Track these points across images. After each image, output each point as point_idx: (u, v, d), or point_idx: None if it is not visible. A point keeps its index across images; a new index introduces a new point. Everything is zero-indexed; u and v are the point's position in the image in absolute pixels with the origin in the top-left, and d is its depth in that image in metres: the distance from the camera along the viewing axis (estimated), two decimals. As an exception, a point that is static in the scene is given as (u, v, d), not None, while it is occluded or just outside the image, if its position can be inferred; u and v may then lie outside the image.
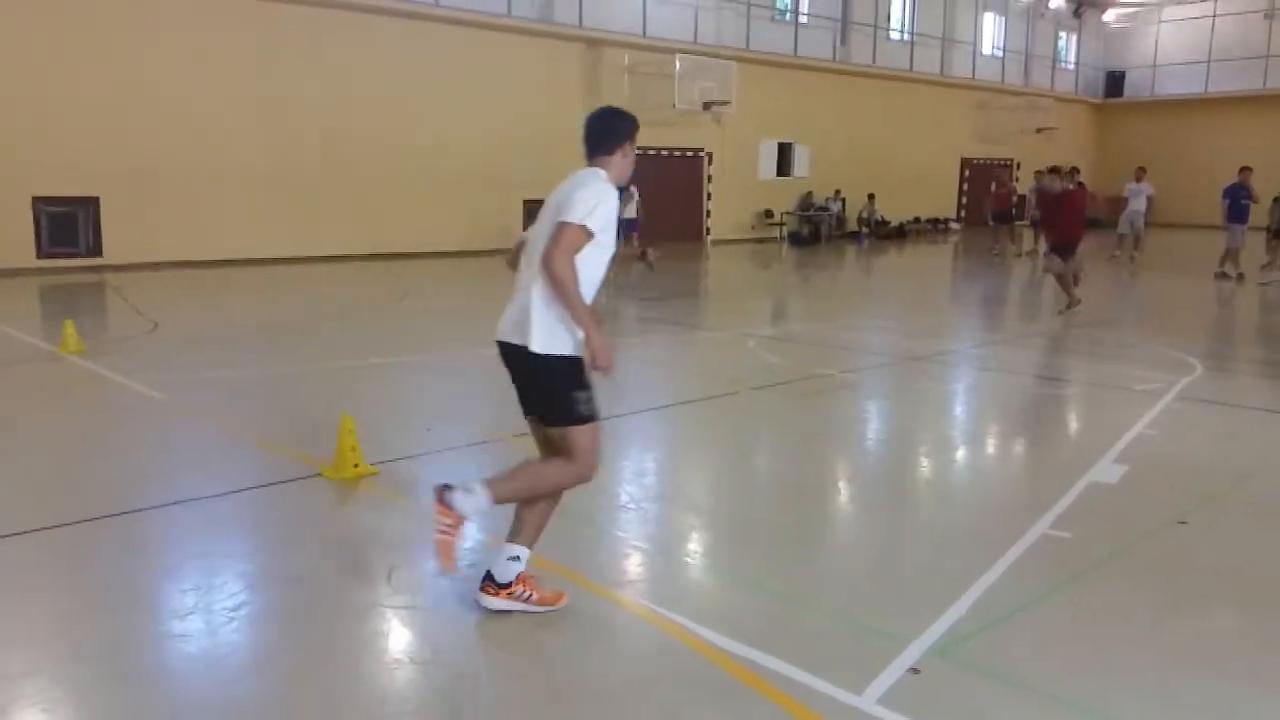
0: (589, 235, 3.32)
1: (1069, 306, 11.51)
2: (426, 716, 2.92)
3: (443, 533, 3.36)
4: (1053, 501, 4.71)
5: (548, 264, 3.27)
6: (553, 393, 3.44)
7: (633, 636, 3.45)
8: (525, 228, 18.76)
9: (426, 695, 3.04)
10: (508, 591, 3.49)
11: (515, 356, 3.44)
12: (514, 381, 3.54)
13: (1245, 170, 16.11)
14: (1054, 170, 12.29)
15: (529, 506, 3.55)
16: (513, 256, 3.69)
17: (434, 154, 18.89)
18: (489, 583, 3.50)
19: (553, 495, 3.58)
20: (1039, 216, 12.68)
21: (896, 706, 2.86)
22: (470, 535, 4.31)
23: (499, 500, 3.43)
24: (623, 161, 3.69)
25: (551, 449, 3.55)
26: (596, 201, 3.36)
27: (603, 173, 3.58)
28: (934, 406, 7.30)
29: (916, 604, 3.56)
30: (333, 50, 17.52)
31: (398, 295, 13.54)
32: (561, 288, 3.26)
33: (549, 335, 3.37)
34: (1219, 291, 14.92)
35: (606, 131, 3.70)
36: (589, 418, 3.48)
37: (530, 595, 3.51)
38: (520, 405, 3.59)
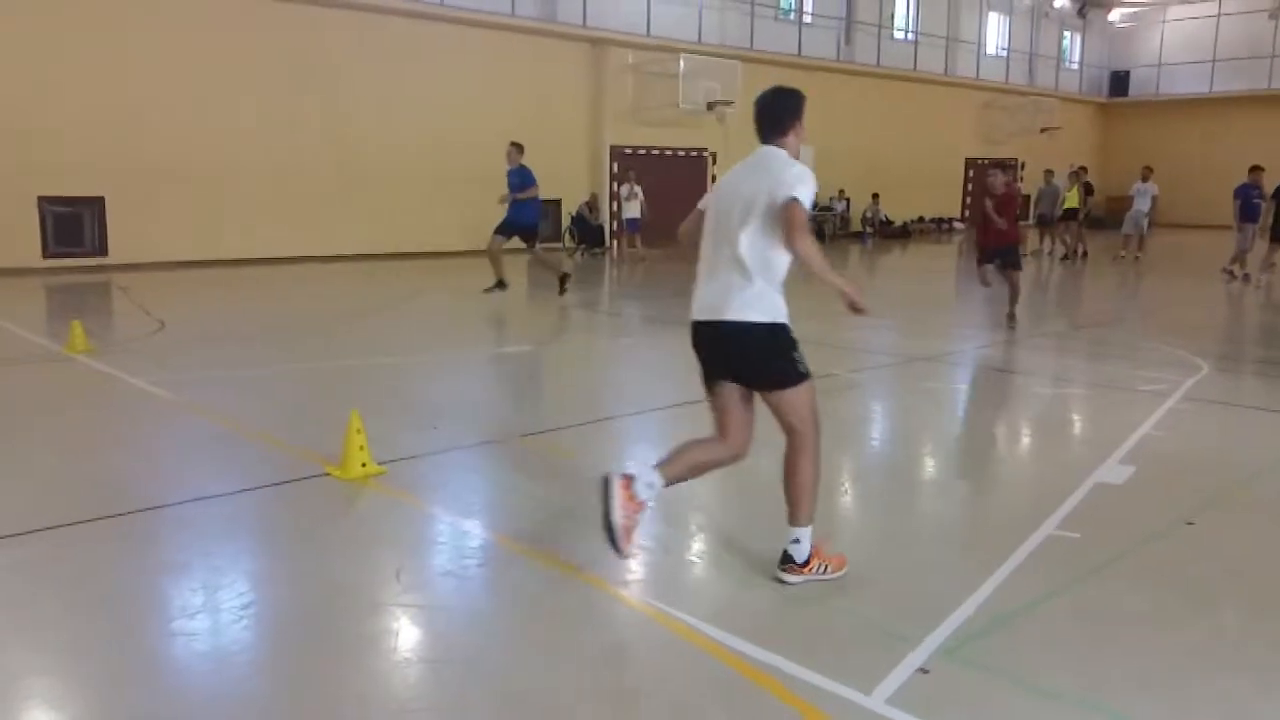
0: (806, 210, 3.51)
1: (1012, 319, 10.67)
2: (436, 715, 2.92)
3: (627, 519, 3.57)
4: (1060, 502, 4.71)
5: (792, 247, 3.49)
6: (769, 356, 3.66)
7: (640, 635, 3.45)
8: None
9: (436, 694, 3.05)
10: (808, 568, 3.75)
11: (730, 336, 3.64)
12: (716, 360, 3.77)
13: (1257, 170, 16.04)
14: (998, 166, 11.56)
15: (690, 465, 3.85)
16: (689, 229, 3.96)
17: (439, 153, 18.90)
18: (788, 564, 3.74)
19: (816, 470, 3.81)
20: (980, 218, 11.33)
21: (905, 706, 2.86)
22: (476, 535, 4.32)
23: (803, 521, 3.73)
24: (795, 141, 3.83)
25: (780, 422, 3.77)
26: (807, 178, 3.57)
27: (783, 153, 3.73)
28: (940, 407, 7.30)
29: (925, 604, 3.56)
30: (338, 49, 17.54)
31: (404, 294, 13.55)
32: (810, 262, 3.50)
33: (763, 306, 3.60)
34: (1227, 291, 14.88)
35: (780, 112, 3.84)
36: (807, 374, 3.73)
37: (826, 568, 3.77)
38: (711, 376, 3.81)
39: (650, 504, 3.66)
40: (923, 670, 3.07)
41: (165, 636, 3.35)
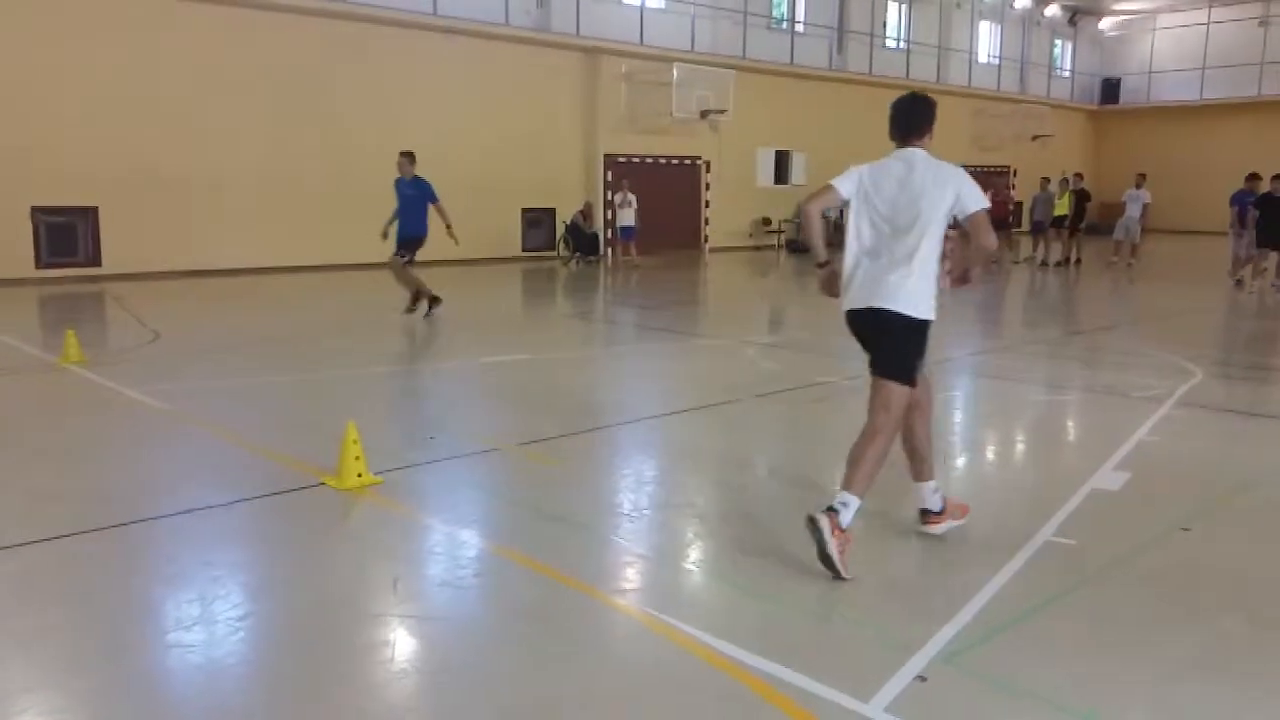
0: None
1: None
2: (434, 726, 2.91)
3: (841, 550, 3.82)
4: (1056, 509, 4.72)
5: (987, 243, 4.01)
6: (906, 353, 4.10)
7: (637, 644, 3.45)
8: (526, 236, 18.81)
9: (434, 705, 3.04)
10: (946, 515, 4.29)
11: (882, 321, 4.03)
12: (870, 342, 4.18)
13: (1254, 178, 16.15)
14: (996, 174, 11.29)
15: (911, 449, 4.33)
16: (818, 208, 4.27)
17: (432, 163, 18.73)
18: (929, 514, 4.29)
19: (916, 438, 4.31)
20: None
21: (903, 714, 2.86)
22: (473, 545, 4.32)
23: (863, 490, 3.99)
24: (930, 142, 4.25)
25: (875, 401, 4.17)
26: (973, 182, 4.08)
27: (937, 159, 4.16)
28: (936, 414, 7.30)
29: (922, 611, 3.57)
30: (331, 60, 17.55)
31: (400, 304, 13.54)
32: (991, 251, 4.10)
33: (927, 304, 4.03)
34: (1232, 298, 14.94)
35: (920, 118, 4.24)
36: (914, 382, 4.14)
37: (959, 513, 4.35)
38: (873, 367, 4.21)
39: (852, 525, 3.91)
40: (921, 678, 3.07)
41: (161, 648, 3.34)
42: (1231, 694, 3.07)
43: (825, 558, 3.81)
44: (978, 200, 4.03)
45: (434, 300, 11.34)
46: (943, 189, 4.02)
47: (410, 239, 11.24)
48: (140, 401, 7.01)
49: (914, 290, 3.99)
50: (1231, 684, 3.13)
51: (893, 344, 4.09)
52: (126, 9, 15.45)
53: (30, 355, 9.08)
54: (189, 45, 16.04)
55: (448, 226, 11.09)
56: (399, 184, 11.36)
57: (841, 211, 4.30)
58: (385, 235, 11.31)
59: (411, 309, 11.36)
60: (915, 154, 4.17)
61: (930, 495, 4.32)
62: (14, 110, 14.58)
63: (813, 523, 3.85)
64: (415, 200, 11.23)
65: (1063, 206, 20.04)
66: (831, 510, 3.91)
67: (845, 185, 4.23)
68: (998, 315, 14.01)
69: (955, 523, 4.36)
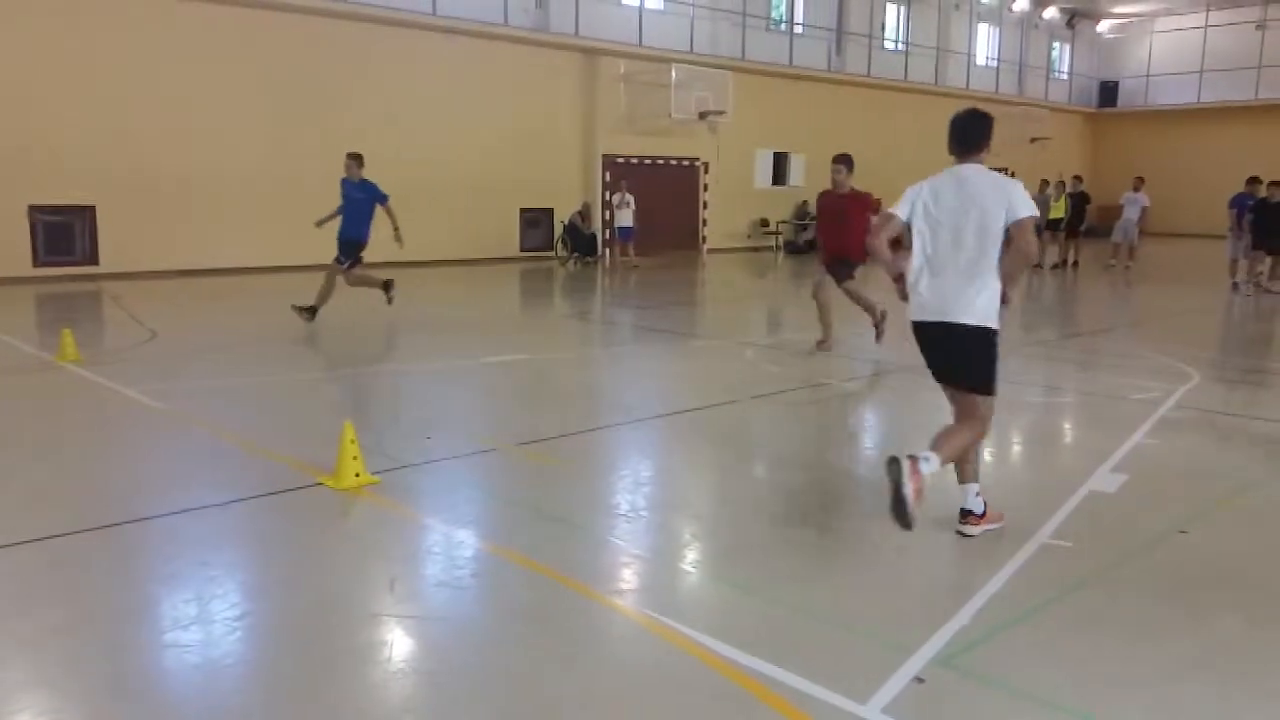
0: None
1: (823, 344, 9.44)
2: (431, 727, 2.91)
3: (915, 493, 3.97)
4: (1053, 510, 4.72)
5: (1029, 250, 4.22)
6: (986, 362, 4.31)
7: (635, 645, 3.44)
8: (524, 236, 18.77)
9: (432, 705, 3.04)
10: (986, 519, 4.40)
11: (955, 335, 4.25)
12: (938, 356, 4.41)
13: (1254, 181, 16.19)
14: (841, 160, 9.60)
15: (954, 434, 4.41)
16: (889, 237, 4.46)
17: (431, 163, 18.90)
18: (969, 515, 4.40)
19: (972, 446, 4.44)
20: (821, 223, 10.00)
21: (901, 715, 2.86)
22: (470, 545, 4.32)
23: (944, 462, 4.19)
24: (987, 156, 4.44)
25: (961, 413, 4.44)
26: (1027, 193, 4.30)
27: (981, 167, 4.37)
28: (933, 415, 7.29)
29: (920, 613, 3.57)
30: (329, 60, 17.54)
31: (396, 303, 13.53)
32: (1032, 260, 4.35)
33: (994, 313, 4.24)
34: (1229, 302, 14.96)
35: (978, 133, 4.45)
36: (995, 391, 4.41)
37: (997, 519, 4.46)
38: (939, 375, 4.49)
39: (929, 481, 4.06)
40: (918, 679, 3.07)
41: (158, 648, 3.33)
42: (1230, 695, 3.07)
43: (899, 500, 3.94)
44: (1029, 207, 4.21)
45: (388, 285, 11.18)
46: (998, 199, 4.21)
47: (350, 242, 10.80)
48: (137, 400, 7.00)
49: (982, 302, 4.21)
50: (1230, 685, 3.13)
51: (971, 356, 4.31)
52: (126, 8, 15.43)
53: (27, 354, 9.07)
54: (188, 44, 16.02)
55: (395, 229, 10.73)
56: (345, 185, 10.92)
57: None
58: (320, 225, 11.03)
59: (389, 298, 11.18)
60: (972, 169, 4.37)
61: (973, 498, 4.44)
62: (12, 109, 14.56)
63: (894, 464, 3.97)
64: (362, 204, 10.76)
65: (1058, 210, 20.08)
66: (968, 513, 4.35)
67: (902, 209, 4.45)
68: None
69: (992, 526, 4.43)
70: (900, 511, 3.94)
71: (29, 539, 4.24)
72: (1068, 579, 3.92)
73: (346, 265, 10.79)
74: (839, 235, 9.22)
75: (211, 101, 16.36)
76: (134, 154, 15.64)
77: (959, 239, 4.23)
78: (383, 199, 10.80)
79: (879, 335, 9.34)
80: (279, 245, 17.28)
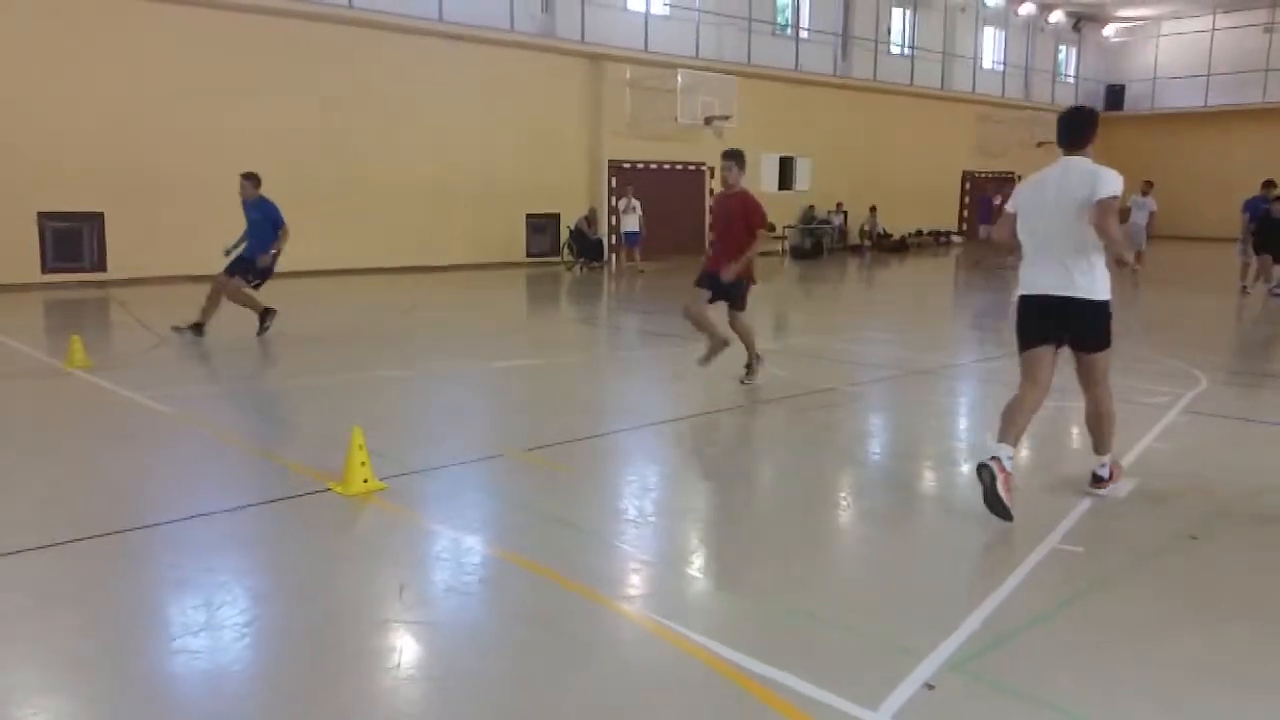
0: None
1: (708, 355, 8.04)
2: (440, 733, 2.91)
3: (1006, 489, 4.49)
4: (1063, 516, 4.71)
5: (1109, 230, 4.56)
6: (1103, 328, 4.90)
7: (643, 650, 3.44)
8: (530, 241, 18.82)
9: (440, 711, 3.03)
10: (1111, 481, 5.08)
11: (1074, 307, 4.78)
12: (1058, 327, 4.87)
13: (1270, 184, 16.14)
14: (731, 156, 7.90)
15: (1096, 427, 5.06)
16: (1008, 231, 5.02)
17: (437, 168, 18.96)
18: (1098, 482, 5.05)
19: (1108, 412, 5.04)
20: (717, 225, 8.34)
21: (911, 722, 2.85)
22: (478, 551, 4.31)
23: (1108, 450, 5.03)
24: (1092, 150, 4.91)
25: (1091, 378, 5.04)
26: (1117, 178, 4.67)
27: (1091, 162, 4.81)
28: (940, 420, 7.30)
29: (929, 619, 3.55)
30: (336, 65, 17.60)
31: (404, 309, 13.56)
32: (1115, 239, 4.62)
33: (1105, 285, 4.81)
34: (1238, 305, 14.90)
35: (1084, 127, 4.95)
36: (1110, 345, 4.98)
37: (1120, 471, 5.15)
38: (1044, 340, 4.93)
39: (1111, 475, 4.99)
40: (928, 685, 3.06)
41: (168, 654, 3.34)
42: (1240, 701, 3.06)
43: (993, 497, 4.48)
44: (1109, 189, 4.61)
45: (267, 313, 10.42)
46: (1088, 183, 4.67)
47: (250, 261, 10.37)
48: (146, 406, 7.02)
49: (1094, 277, 4.77)
50: (1241, 692, 3.11)
51: (1090, 325, 4.87)
52: (133, 16, 15.51)
53: (36, 360, 9.10)
54: (197, 51, 16.09)
55: (277, 251, 10.39)
56: (244, 206, 10.55)
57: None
58: (227, 253, 10.56)
59: (264, 327, 10.40)
60: (1076, 160, 4.85)
61: (1102, 465, 5.05)
62: (21, 116, 14.64)
63: (984, 469, 4.51)
64: (259, 224, 10.35)
65: None
66: (1099, 479, 5.02)
67: (1010, 204, 5.09)
68: (1004, 322, 14.00)
69: (1120, 484, 5.12)
70: (998, 510, 4.50)
71: (39, 545, 4.25)
72: (1078, 584, 3.91)
73: (252, 283, 10.34)
74: (724, 242, 7.85)
75: (220, 108, 16.42)
76: (142, 161, 15.70)
77: (1063, 223, 4.73)
78: (278, 223, 10.38)
79: (705, 360, 7.99)
80: (287, 250, 17.31)
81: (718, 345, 7.94)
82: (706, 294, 7.79)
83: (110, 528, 4.47)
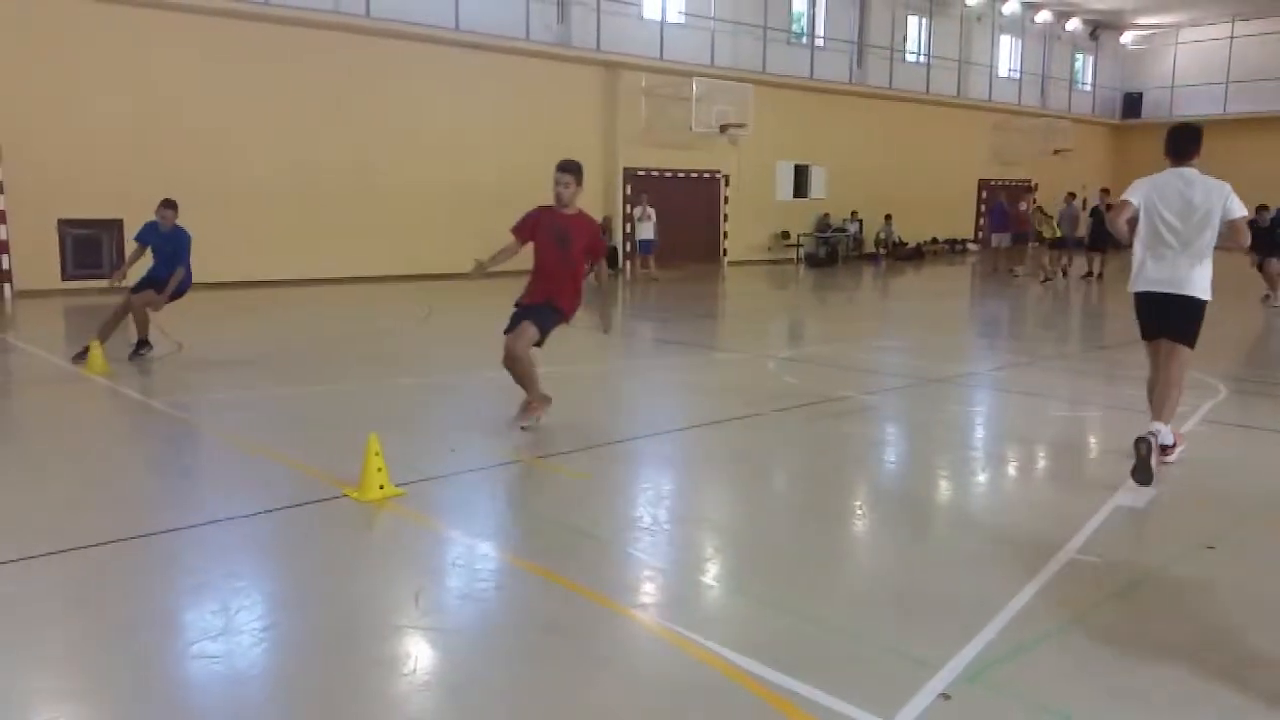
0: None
1: (530, 413, 6.63)
2: (456, 739, 2.91)
3: (1159, 461, 5.37)
4: (1080, 525, 4.68)
5: (1242, 242, 5.49)
6: (1196, 325, 5.64)
7: (657, 659, 3.43)
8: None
9: (456, 717, 3.04)
10: (1176, 447, 5.73)
11: (1179, 303, 5.56)
12: (1161, 320, 5.69)
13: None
14: (570, 169, 6.74)
15: (1164, 397, 5.68)
16: (1128, 218, 5.67)
17: (453, 175, 19.06)
18: (1165, 450, 5.57)
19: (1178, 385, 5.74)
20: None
21: (927, 732, 2.84)
22: (494, 557, 4.33)
23: (1169, 420, 5.60)
24: (1199, 161, 5.64)
25: (1172, 360, 5.73)
26: (1239, 200, 5.49)
27: (1196, 170, 5.58)
28: (956, 429, 7.27)
29: (946, 628, 3.54)
30: (353, 73, 17.74)
31: (420, 316, 13.62)
32: (1245, 250, 5.90)
33: (1209, 288, 5.56)
34: (1258, 315, 14.79)
35: (1191, 142, 5.68)
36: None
37: (1181, 438, 5.88)
38: (1155, 333, 5.80)
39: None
40: (945, 696, 3.05)
41: (186, 659, 3.36)
42: (1262, 714, 3.03)
43: (1144, 465, 5.15)
44: (1240, 209, 5.46)
45: (143, 344, 9.58)
46: (1218, 199, 5.44)
47: (160, 281, 9.62)
48: (164, 412, 7.07)
49: (1205, 278, 5.51)
50: (1262, 703, 3.08)
51: (1189, 320, 5.59)
52: (152, 26, 15.67)
53: (56, 366, 9.18)
54: (215, 60, 16.25)
55: (164, 288, 9.56)
56: (158, 237, 9.73)
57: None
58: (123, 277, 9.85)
59: (138, 353, 9.54)
60: (1190, 172, 5.57)
61: (1166, 434, 5.54)
62: (41, 126, 14.81)
63: (1143, 442, 5.21)
64: (170, 256, 9.64)
65: (1052, 229, 20.33)
66: (1151, 435, 5.36)
67: (1134, 197, 5.69)
68: (1019, 330, 13.94)
69: (1181, 448, 5.77)
70: (1144, 477, 5.19)
71: (58, 550, 4.29)
72: (1095, 595, 3.88)
73: (160, 303, 9.64)
74: (554, 269, 6.70)
75: (237, 116, 16.57)
76: (160, 169, 15.83)
77: (1188, 230, 5.46)
78: (184, 257, 9.65)
79: (526, 420, 6.65)
80: (304, 259, 17.46)
81: (542, 401, 6.66)
82: (536, 333, 6.56)
83: (127, 533, 4.51)
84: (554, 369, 9.51)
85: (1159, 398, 5.68)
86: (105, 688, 3.18)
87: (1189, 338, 5.66)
